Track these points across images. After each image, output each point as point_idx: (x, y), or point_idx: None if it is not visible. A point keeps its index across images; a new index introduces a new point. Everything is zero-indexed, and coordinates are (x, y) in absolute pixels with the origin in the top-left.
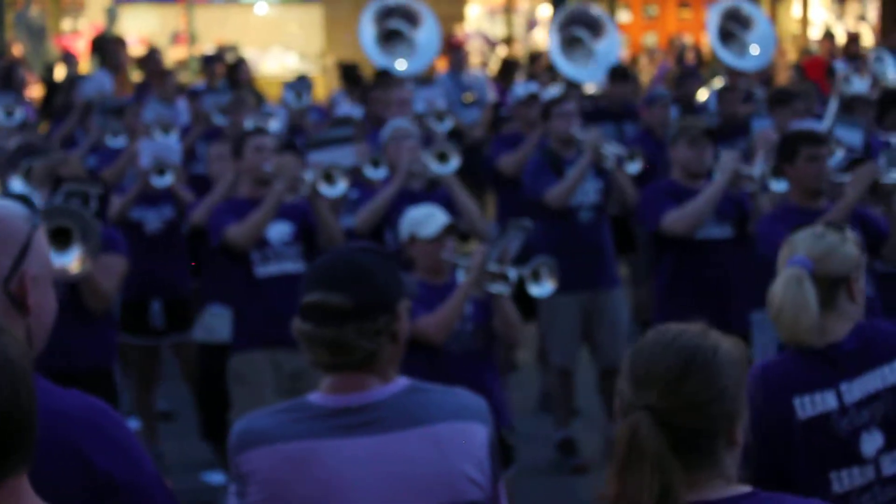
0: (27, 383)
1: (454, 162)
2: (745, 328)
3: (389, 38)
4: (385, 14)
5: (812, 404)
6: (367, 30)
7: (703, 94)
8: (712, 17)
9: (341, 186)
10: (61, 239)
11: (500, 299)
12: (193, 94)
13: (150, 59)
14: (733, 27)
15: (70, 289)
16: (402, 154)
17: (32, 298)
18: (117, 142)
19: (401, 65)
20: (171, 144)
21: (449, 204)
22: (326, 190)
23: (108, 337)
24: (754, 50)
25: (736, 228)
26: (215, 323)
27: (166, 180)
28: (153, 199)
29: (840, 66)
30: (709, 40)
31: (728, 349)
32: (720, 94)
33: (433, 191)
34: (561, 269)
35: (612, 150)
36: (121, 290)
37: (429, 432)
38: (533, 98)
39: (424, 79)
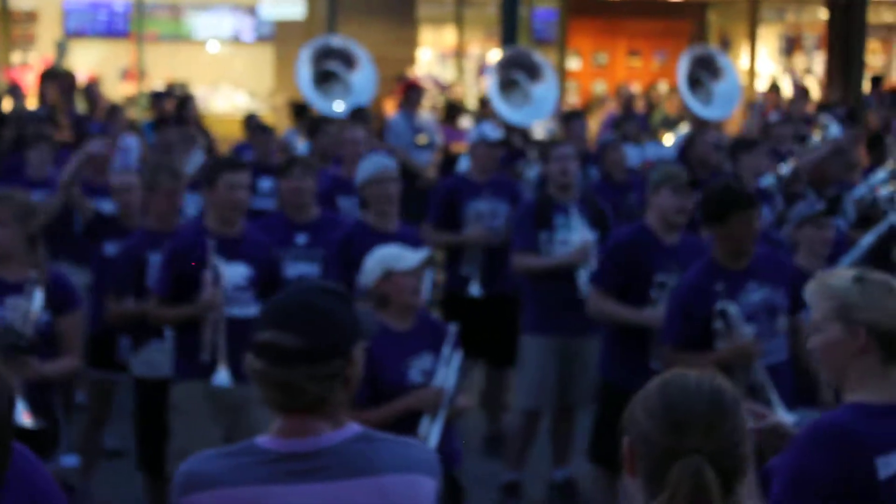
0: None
1: None
2: None
3: (324, 79)
4: (323, 54)
5: (890, 464)
6: (304, 69)
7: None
8: (682, 63)
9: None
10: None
11: None
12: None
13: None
14: (702, 75)
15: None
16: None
17: None
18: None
19: (338, 106)
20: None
21: (417, 244)
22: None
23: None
24: (717, 101)
25: None
26: (156, 358)
27: None
28: (122, 233)
29: (774, 117)
30: (678, 87)
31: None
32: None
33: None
34: (542, 314)
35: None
36: (89, 324)
37: (376, 483)
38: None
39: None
